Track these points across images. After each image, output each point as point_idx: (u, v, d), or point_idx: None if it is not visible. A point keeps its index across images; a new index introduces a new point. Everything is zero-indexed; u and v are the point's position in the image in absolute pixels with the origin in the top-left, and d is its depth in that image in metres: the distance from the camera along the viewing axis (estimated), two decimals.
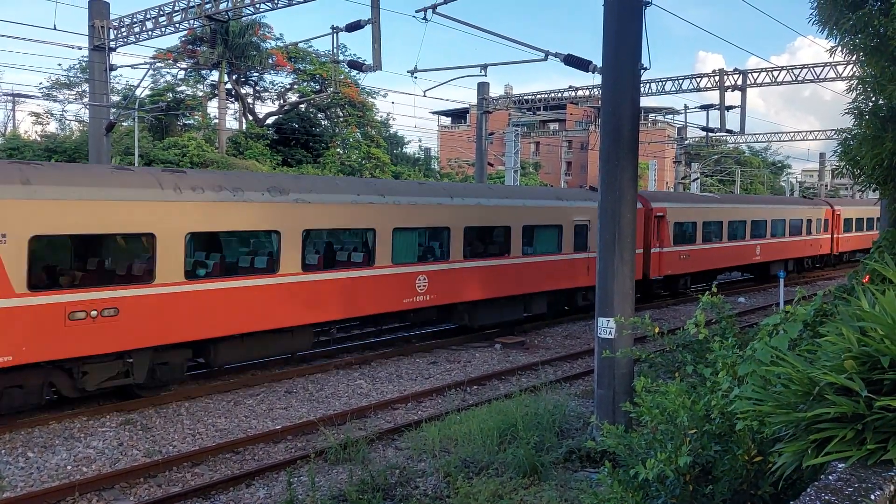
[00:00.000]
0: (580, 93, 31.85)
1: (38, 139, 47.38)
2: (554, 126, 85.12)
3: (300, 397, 13.58)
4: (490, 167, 39.29)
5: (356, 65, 21.31)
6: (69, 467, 9.91)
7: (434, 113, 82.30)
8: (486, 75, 24.42)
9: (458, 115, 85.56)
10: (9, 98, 50.39)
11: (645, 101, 37.35)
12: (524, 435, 9.97)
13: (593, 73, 17.90)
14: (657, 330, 7.93)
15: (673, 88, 29.09)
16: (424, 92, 25.35)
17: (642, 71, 11.06)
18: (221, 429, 11.75)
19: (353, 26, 17.99)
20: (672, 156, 53.22)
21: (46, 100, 52.19)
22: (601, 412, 10.37)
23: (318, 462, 10.04)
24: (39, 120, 54.89)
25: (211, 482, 9.46)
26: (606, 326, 10.43)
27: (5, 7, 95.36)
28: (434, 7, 17.14)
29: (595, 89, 29.72)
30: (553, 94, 32.85)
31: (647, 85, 28.97)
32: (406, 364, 16.41)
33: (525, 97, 34.34)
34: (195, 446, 10.89)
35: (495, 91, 37.78)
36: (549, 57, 18.64)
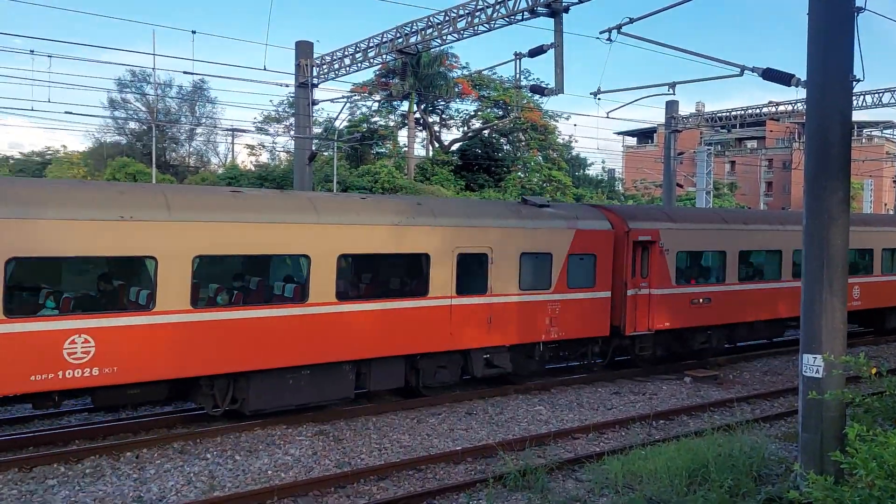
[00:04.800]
0: (781, 108, 29.61)
1: (252, 168, 52.69)
2: (752, 144, 79.80)
3: (480, 419, 13.70)
4: (679, 188, 37.63)
5: (538, 89, 21.39)
6: (269, 472, 10.72)
7: (618, 133, 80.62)
8: (674, 94, 23.54)
9: (644, 135, 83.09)
10: (229, 132, 56.76)
11: (857, 115, 33.92)
12: (716, 477, 9.31)
13: (796, 86, 16.51)
14: (874, 371, 7.07)
15: (893, 100, 26.12)
16: (608, 113, 24.88)
17: (854, 83, 10.01)
18: (405, 445, 12.13)
19: (536, 51, 18.07)
20: (892, 174, 47.64)
21: (259, 133, 58.03)
22: (806, 459, 9.39)
23: (497, 487, 10.03)
24: (253, 151, 61.16)
25: (395, 498, 9.76)
26: (812, 364, 9.45)
27: (224, 52, 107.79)
28: (619, 27, 16.78)
29: (799, 104, 27.47)
30: (750, 111, 30.86)
31: (861, 97, 26.33)
32: (587, 393, 16.00)
33: (718, 114, 32.61)
34: (381, 461, 11.33)
35: (685, 109, 36.24)
36: (745, 72, 17.48)
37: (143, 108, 56.40)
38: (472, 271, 14.39)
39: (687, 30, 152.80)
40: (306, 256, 12.43)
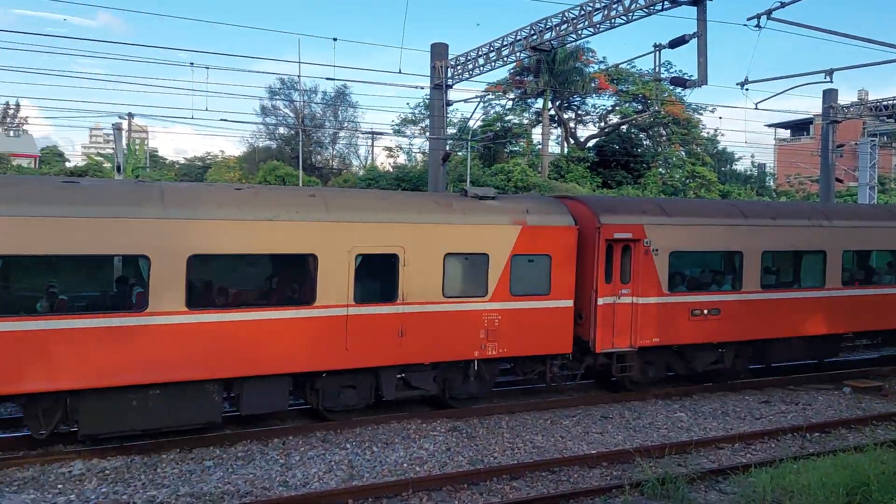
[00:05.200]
0: None
1: (391, 170, 54.40)
2: None
3: (616, 423, 13.34)
4: (839, 184, 34.86)
5: (680, 81, 20.56)
6: (405, 465, 10.98)
7: (770, 126, 75.79)
8: (831, 81, 21.83)
9: (798, 127, 77.41)
10: (368, 135, 58.95)
11: None
12: (879, 496, 8.54)
13: None
14: None
15: None
16: (756, 104, 23.56)
17: None
18: (538, 446, 12.03)
19: (678, 42, 17.37)
20: None
21: (397, 135, 59.78)
22: None
23: (634, 494, 9.71)
24: (391, 153, 63.11)
25: (527, 498, 9.69)
26: None
27: (362, 57, 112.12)
28: (769, 12, 15.80)
29: None
30: None
31: None
32: (733, 400, 15.16)
33: (884, 102, 29.93)
34: (514, 460, 11.29)
35: (845, 98, 33.48)
36: None
37: (291, 114, 59.76)
38: (376, 275, 12.48)
39: (845, 11, 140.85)
40: (145, 257, 10.77)
